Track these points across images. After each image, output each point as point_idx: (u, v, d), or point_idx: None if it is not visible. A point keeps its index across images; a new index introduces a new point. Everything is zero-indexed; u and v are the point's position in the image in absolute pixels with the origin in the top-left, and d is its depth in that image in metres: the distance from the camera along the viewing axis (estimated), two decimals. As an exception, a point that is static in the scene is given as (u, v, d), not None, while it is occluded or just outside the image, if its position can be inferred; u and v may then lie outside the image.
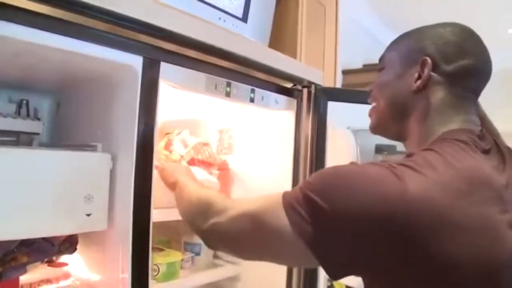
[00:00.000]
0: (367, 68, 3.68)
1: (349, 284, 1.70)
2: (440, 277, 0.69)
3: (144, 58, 1.15)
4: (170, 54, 1.24)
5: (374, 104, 1.04)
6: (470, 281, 0.70)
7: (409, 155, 0.81)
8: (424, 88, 0.90)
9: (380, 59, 1.04)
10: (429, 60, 0.89)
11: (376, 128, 1.04)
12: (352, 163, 0.80)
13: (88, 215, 1.16)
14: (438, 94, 0.89)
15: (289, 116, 1.76)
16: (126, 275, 1.17)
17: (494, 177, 0.79)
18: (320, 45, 2.14)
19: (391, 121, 0.98)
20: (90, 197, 1.16)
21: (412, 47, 0.94)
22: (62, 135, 1.50)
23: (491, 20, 4.13)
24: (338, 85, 2.44)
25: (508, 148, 0.94)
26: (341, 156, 1.68)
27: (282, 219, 0.77)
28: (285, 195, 0.80)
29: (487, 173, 0.78)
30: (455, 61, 0.89)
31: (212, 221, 0.92)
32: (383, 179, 0.72)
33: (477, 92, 0.93)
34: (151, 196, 1.19)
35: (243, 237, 0.89)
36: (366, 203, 0.70)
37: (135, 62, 1.14)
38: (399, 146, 1.78)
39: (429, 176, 0.72)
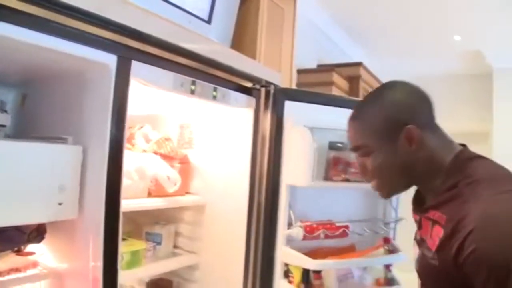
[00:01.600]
0: (321, 68, 3.81)
1: (307, 267, 1.82)
2: None
3: (119, 56, 1.22)
4: (141, 53, 1.32)
5: (376, 180, 1.11)
6: None
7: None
8: (420, 145, 1.02)
9: (355, 147, 1.11)
10: (411, 126, 1.00)
11: (392, 195, 1.17)
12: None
13: (60, 204, 1.23)
14: (430, 142, 1.03)
15: (248, 114, 1.85)
16: (98, 263, 1.24)
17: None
18: (278, 46, 2.25)
19: (403, 182, 1.09)
20: (62, 187, 1.22)
21: (385, 123, 1.04)
22: (28, 128, 1.52)
23: (438, 27, 4.34)
24: (293, 84, 2.55)
25: None
26: (298, 152, 1.78)
27: None
28: None
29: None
30: (426, 112, 1.05)
31: None
32: None
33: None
34: (121, 187, 1.27)
35: None
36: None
37: (110, 60, 1.21)
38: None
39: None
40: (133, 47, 1.29)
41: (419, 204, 1.10)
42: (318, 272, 1.91)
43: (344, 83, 3.75)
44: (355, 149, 1.11)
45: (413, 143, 1.01)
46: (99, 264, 1.24)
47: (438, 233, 0.95)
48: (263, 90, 1.84)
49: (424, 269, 1.04)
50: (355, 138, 1.10)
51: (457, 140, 1.16)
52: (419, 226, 1.09)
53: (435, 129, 1.06)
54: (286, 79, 2.28)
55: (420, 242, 1.07)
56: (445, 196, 0.97)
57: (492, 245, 0.81)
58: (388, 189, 1.13)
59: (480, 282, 0.82)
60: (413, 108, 1.04)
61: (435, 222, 0.98)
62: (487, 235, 0.82)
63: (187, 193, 1.94)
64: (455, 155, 1.02)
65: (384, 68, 4.72)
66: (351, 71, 3.86)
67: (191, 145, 2.01)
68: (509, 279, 0.78)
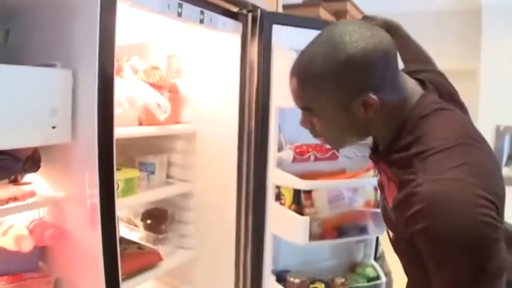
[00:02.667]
0: (307, 3, 3.75)
1: (298, 187, 1.87)
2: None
3: (103, -23, 1.19)
4: (127, -27, 1.29)
5: (324, 137, 1.05)
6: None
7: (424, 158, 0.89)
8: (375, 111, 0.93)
9: (303, 108, 1.00)
10: (371, 96, 0.90)
11: (340, 148, 1.18)
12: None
13: (54, 127, 1.24)
14: (389, 103, 0.93)
15: (235, 40, 1.84)
16: (94, 190, 1.26)
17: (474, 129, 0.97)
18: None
19: (356, 139, 1.03)
20: (54, 111, 1.23)
21: (336, 90, 0.92)
22: (14, 61, 1.50)
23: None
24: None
25: (433, 77, 1.08)
26: (286, 75, 1.78)
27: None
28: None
29: (475, 131, 0.97)
30: (384, 73, 0.92)
31: None
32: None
33: (398, 66, 0.98)
34: (113, 111, 1.28)
35: None
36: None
37: (95, -20, 1.18)
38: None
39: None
40: (117, -34, 1.26)
41: (374, 149, 1.06)
42: (308, 192, 1.96)
43: (331, 18, 3.71)
44: (302, 109, 1.00)
45: (370, 111, 0.92)
46: (96, 190, 1.26)
47: (393, 192, 0.94)
48: (250, 15, 1.82)
49: (384, 216, 1.05)
50: (300, 99, 0.99)
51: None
52: (378, 171, 1.07)
53: (394, 83, 0.95)
54: (272, 6, 2.24)
55: (381, 187, 1.06)
56: (396, 157, 0.94)
57: (439, 225, 0.80)
58: (339, 146, 1.13)
59: (425, 256, 0.85)
60: (367, 71, 0.90)
61: (389, 178, 0.97)
62: (435, 215, 0.81)
63: (177, 122, 1.94)
64: (409, 110, 0.94)
65: (370, 3, 4.65)
66: (338, 6, 3.79)
67: (179, 75, 2.00)
68: (450, 259, 0.80)
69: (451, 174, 0.83)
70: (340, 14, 3.83)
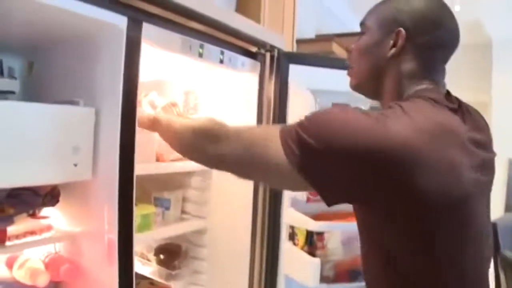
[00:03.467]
0: (320, 38, 3.79)
1: (310, 229, 1.86)
2: (413, 206, 0.86)
3: (129, 18, 1.24)
4: (151, 15, 1.34)
5: (352, 65, 1.13)
6: (438, 210, 0.87)
7: (389, 106, 0.94)
8: (398, 55, 1.01)
9: (361, 24, 1.12)
10: (403, 31, 0.99)
11: (356, 87, 1.14)
12: (341, 108, 0.93)
13: (75, 165, 1.25)
14: (409, 62, 1.01)
15: (253, 78, 1.87)
16: (113, 225, 1.27)
17: (459, 128, 0.94)
18: (280, 12, 2.25)
19: (369, 82, 1.09)
20: (76, 148, 1.25)
21: (389, 16, 1.03)
22: (37, 94, 1.53)
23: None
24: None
25: (469, 106, 1.10)
26: (302, 115, 1.80)
27: (279, 152, 0.90)
28: (282, 132, 0.92)
29: (454, 124, 0.94)
30: (427, 34, 1.00)
31: (214, 148, 1.03)
32: (365, 121, 0.86)
33: (445, 61, 1.06)
34: (134, 148, 1.29)
35: (246, 164, 1.02)
36: (350, 141, 0.84)
37: (120, 21, 1.22)
38: (353, 105, 1.94)
39: (406, 121, 0.86)
40: (143, 9, 1.30)
41: None
42: (320, 234, 1.95)
43: (343, 53, 3.75)
44: (360, 24, 1.12)
45: (394, 47, 1.01)
46: (114, 226, 1.27)
47: None
48: (268, 54, 1.85)
49: None
50: (366, 15, 1.11)
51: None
52: None
53: (431, 59, 1.03)
54: (288, 45, 2.29)
55: None
56: None
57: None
58: (356, 77, 1.13)
59: None
60: (419, 20, 1.00)
61: None
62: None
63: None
64: (417, 90, 1.00)
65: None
66: (351, 41, 3.83)
67: (196, 111, 2.02)
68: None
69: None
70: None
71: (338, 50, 3.63)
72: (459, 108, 1.01)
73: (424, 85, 1.00)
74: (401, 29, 0.99)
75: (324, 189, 0.89)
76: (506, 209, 4.98)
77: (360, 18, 1.13)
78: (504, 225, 3.20)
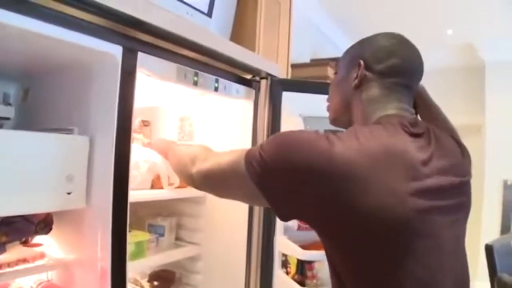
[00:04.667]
0: (314, 63, 3.83)
1: (299, 257, 1.85)
2: (355, 227, 0.89)
3: (124, 47, 1.25)
4: (146, 44, 1.35)
5: (328, 102, 1.24)
6: (380, 232, 0.89)
7: (347, 130, 1.01)
8: (361, 84, 1.09)
9: (335, 66, 1.22)
10: (362, 62, 1.08)
11: (333, 122, 1.24)
12: (299, 130, 1.01)
13: (69, 193, 1.25)
14: (372, 88, 1.08)
15: (248, 105, 1.88)
16: (106, 254, 1.26)
17: (411, 153, 0.95)
18: (275, 39, 2.28)
19: (342, 114, 1.17)
20: (70, 177, 1.24)
21: (353, 53, 1.14)
22: (31, 121, 1.54)
23: (431, 21, 4.39)
24: (289, 77, 2.58)
25: (440, 133, 1.11)
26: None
27: (242, 171, 0.98)
28: (247, 153, 1.00)
29: (404, 148, 0.95)
30: (384, 62, 1.08)
31: (197, 167, 1.19)
32: (316, 142, 0.91)
33: (408, 87, 1.11)
34: (128, 177, 1.29)
35: (218, 181, 1.15)
36: (299, 159, 0.90)
37: (116, 51, 1.23)
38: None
39: (352, 144, 0.91)
40: (138, 38, 1.32)
41: None
42: (310, 263, 1.94)
43: (338, 77, 3.79)
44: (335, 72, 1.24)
45: (356, 78, 1.09)
46: (108, 254, 1.26)
47: None
48: (263, 82, 1.87)
49: None
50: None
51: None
52: None
53: (392, 87, 1.08)
54: (283, 72, 2.31)
55: None
56: None
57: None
58: (332, 114, 1.22)
59: None
60: (376, 50, 1.09)
61: None
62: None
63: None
64: (380, 116, 1.06)
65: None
66: (345, 65, 3.89)
67: (191, 138, 2.03)
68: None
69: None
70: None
71: (332, 75, 3.67)
72: (425, 133, 1.04)
73: (387, 111, 1.06)
74: (360, 60, 1.09)
75: (276, 204, 0.97)
76: (502, 231, 4.98)
77: (352, 40, 1.20)
78: (500, 247, 3.19)
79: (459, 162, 1.11)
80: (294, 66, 3.76)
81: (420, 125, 1.06)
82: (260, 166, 0.95)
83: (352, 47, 1.18)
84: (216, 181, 1.16)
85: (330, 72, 3.62)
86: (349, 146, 0.90)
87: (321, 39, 4.46)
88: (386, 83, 1.08)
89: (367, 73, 1.08)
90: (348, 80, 1.12)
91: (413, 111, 1.11)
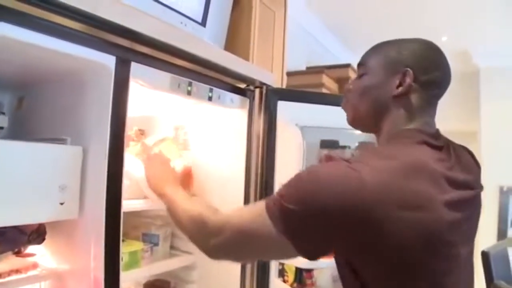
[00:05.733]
0: (310, 71, 3.84)
1: (298, 266, 1.85)
2: (392, 249, 0.88)
3: (117, 57, 1.25)
4: (140, 55, 1.35)
5: (352, 103, 1.16)
6: (413, 242, 0.88)
7: (361, 148, 1.00)
8: (404, 94, 1.06)
9: (360, 65, 1.16)
10: (410, 71, 1.04)
11: (353, 123, 1.19)
12: (312, 170, 0.98)
13: (62, 204, 1.24)
14: (412, 99, 1.06)
15: (242, 114, 1.88)
16: (99, 264, 1.25)
17: (434, 166, 0.96)
18: (269, 48, 2.28)
19: (369, 118, 1.13)
20: (63, 187, 1.24)
21: (393, 58, 1.09)
22: (25, 130, 1.54)
23: (426, 29, 4.40)
24: (284, 86, 2.58)
25: (460, 146, 1.15)
26: (290, 151, 1.82)
27: (268, 225, 0.94)
28: (268, 206, 0.97)
29: (427, 162, 0.96)
30: (429, 73, 1.06)
31: (212, 242, 1.08)
32: (344, 179, 0.89)
33: (438, 99, 1.12)
34: (122, 187, 1.29)
35: (241, 250, 1.07)
36: (331, 201, 0.87)
37: (109, 61, 1.23)
38: (342, 141, 1.96)
39: (379, 164, 0.90)
40: (131, 48, 1.32)
41: None
42: (309, 271, 1.94)
43: (333, 85, 3.79)
44: (358, 66, 1.17)
45: (401, 87, 1.06)
46: (101, 264, 1.25)
47: None
48: (257, 91, 1.87)
49: None
50: (364, 54, 1.16)
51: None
52: None
53: (429, 98, 1.08)
54: (277, 81, 2.31)
55: None
56: None
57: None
58: (354, 114, 1.17)
59: None
60: (423, 60, 1.07)
61: None
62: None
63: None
64: (409, 128, 1.05)
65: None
66: (340, 73, 3.89)
67: (186, 147, 2.03)
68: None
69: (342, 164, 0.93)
70: (342, 80, 3.92)
71: (328, 82, 3.68)
72: (445, 147, 1.05)
73: (413, 124, 1.06)
74: (408, 69, 1.05)
75: (304, 247, 0.94)
76: (499, 237, 4.98)
77: (348, 49, 1.19)
78: (497, 254, 3.19)
79: (476, 174, 1.13)
80: (290, 74, 3.76)
81: (441, 137, 1.08)
82: (285, 215, 0.92)
83: (387, 48, 1.13)
84: (238, 249, 1.08)
85: (325, 79, 3.63)
86: (376, 169, 0.90)
87: (317, 47, 4.47)
88: (425, 95, 1.07)
89: (412, 83, 1.05)
90: (387, 86, 1.07)
91: (435, 123, 1.12)
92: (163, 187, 1.42)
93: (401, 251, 0.88)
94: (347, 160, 0.93)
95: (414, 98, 1.06)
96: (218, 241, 1.06)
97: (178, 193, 1.37)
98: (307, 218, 0.90)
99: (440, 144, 1.04)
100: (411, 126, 1.05)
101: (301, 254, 0.95)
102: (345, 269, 1.00)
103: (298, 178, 0.97)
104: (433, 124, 1.10)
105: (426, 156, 0.98)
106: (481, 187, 1.12)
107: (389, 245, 0.87)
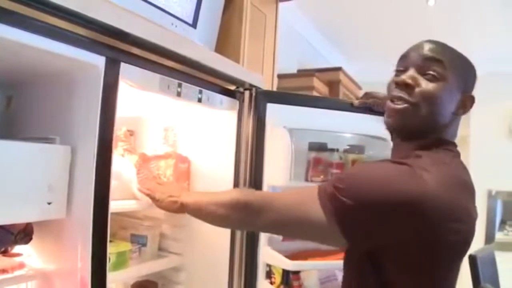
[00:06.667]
0: (301, 74, 3.86)
1: (285, 267, 1.85)
2: (435, 250, 0.95)
3: (107, 58, 1.25)
4: (129, 55, 1.36)
5: (418, 105, 1.08)
6: (453, 252, 0.99)
7: (414, 155, 1.04)
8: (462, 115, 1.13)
9: (438, 63, 1.08)
10: (474, 98, 1.13)
11: (399, 123, 1.12)
12: (374, 163, 1.09)
13: (49, 203, 1.24)
14: (459, 119, 1.15)
15: (231, 116, 1.89)
16: (86, 264, 1.25)
17: (471, 181, 1.06)
18: (260, 50, 2.29)
19: (422, 126, 1.10)
20: (51, 187, 1.24)
21: (463, 77, 1.12)
22: (14, 129, 1.53)
23: (416, 32, 4.42)
24: (274, 88, 2.59)
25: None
26: (278, 153, 1.83)
27: (320, 213, 0.99)
28: (320, 196, 1.01)
29: (468, 178, 1.06)
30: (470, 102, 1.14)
31: (260, 219, 1.12)
32: (399, 178, 0.95)
33: None
34: (109, 187, 1.29)
35: (290, 228, 1.13)
36: (387, 198, 0.93)
37: (98, 61, 1.24)
38: (330, 144, 1.96)
39: (438, 175, 0.95)
40: (121, 49, 1.32)
41: None
42: (296, 273, 1.94)
43: (324, 88, 3.82)
44: (431, 60, 1.08)
45: (463, 110, 1.12)
46: (88, 265, 1.25)
47: None
48: (246, 93, 1.88)
49: None
50: (441, 53, 1.10)
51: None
52: None
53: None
54: (267, 83, 2.32)
55: None
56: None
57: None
58: (408, 119, 1.09)
59: None
60: (473, 87, 1.15)
61: None
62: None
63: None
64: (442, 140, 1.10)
65: (362, 72, 4.80)
66: (331, 76, 3.92)
67: (175, 148, 2.02)
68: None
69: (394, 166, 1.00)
70: (333, 84, 3.94)
71: (318, 85, 3.70)
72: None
73: (453, 138, 1.15)
74: (473, 96, 1.12)
75: (356, 240, 1.00)
76: (487, 241, 5.03)
77: (339, 51, 1.18)
78: (484, 258, 3.22)
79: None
80: (281, 77, 3.78)
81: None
82: (339, 208, 0.96)
83: (463, 64, 1.14)
84: (287, 228, 1.15)
85: (316, 82, 3.64)
86: (437, 177, 0.94)
87: (308, 50, 4.50)
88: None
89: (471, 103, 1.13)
90: (452, 102, 1.10)
91: None
92: (178, 200, 1.44)
93: (441, 257, 0.96)
94: (406, 164, 0.97)
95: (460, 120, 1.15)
96: (265, 218, 1.11)
97: (197, 194, 1.45)
98: (363, 213, 0.94)
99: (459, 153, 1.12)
100: (452, 139, 1.13)
101: (348, 241, 0.99)
102: (366, 265, 1.03)
103: (355, 173, 1.03)
104: None
105: (465, 170, 1.07)
106: None
107: (433, 249, 0.95)
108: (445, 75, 1.07)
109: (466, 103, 1.11)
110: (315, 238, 1.18)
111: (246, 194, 1.21)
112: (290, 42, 3.89)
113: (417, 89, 1.07)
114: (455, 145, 1.12)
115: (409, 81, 1.07)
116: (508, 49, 4.80)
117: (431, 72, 1.07)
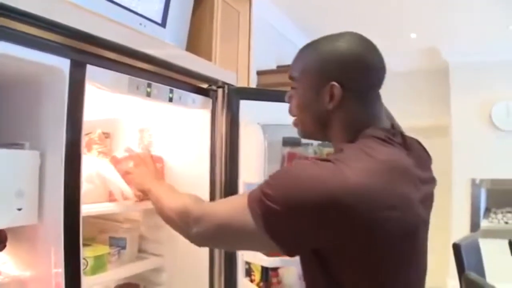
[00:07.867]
0: (281, 69, 3.86)
1: (264, 264, 1.86)
2: (373, 243, 0.92)
3: (71, 60, 1.24)
4: (95, 57, 1.34)
5: (297, 117, 1.16)
6: (396, 240, 0.94)
7: (339, 150, 1.02)
8: (339, 106, 1.04)
9: (290, 77, 1.15)
10: (337, 85, 1.02)
11: (304, 136, 1.21)
12: (295, 167, 1.00)
13: (19, 209, 1.23)
14: (351, 107, 1.05)
15: (205, 114, 1.88)
16: (59, 270, 1.24)
17: (409, 164, 1.01)
18: (234, 48, 2.29)
19: (317, 131, 1.13)
20: (21, 192, 1.23)
21: (318, 71, 1.06)
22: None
23: (394, 26, 4.47)
24: (253, 85, 2.59)
25: (412, 138, 1.16)
26: (252, 149, 1.83)
27: (249, 222, 0.96)
28: (249, 201, 0.98)
29: (405, 163, 1.00)
30: (361, 80, 1.05)
31: (194, 230, 1.10)
32: (322, 177, 0.91)
33: (379, 95, 1.11)
34: (80, 191, 1.28)
35: (221, 240, 1.11)
36: (308, 198, 0.89)
37: (63, 64, 1.22)
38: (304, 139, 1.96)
39: (362, 166, 0.92)
40: (86, 51, 1.31)
41: None
42: (275, 270, 1.94)
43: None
44: (289, 78, 1.16)
45: (332, 101, 1.04)
46: (61, 270, 1.24)
47: None
48: (219, 91, 1.88)
49: None
50: (292, 67, 1.15)
51: (419, 135, 1.23)
52: None
53: (369, 99, 1.08)
54: (243, 80, 2.32)
55: None
56: None
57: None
58: (302, 129, 1.17)
59: None
60: (349, 70, 1.04)
61: None
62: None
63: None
64: (366, 130, 1.05)
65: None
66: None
67: (151, 149, 2.01)
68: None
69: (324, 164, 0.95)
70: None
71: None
72: (404, 142, 1.07)
73: (370, 127, 1.05)
74: (334, 83, 1.03)
75: (287, 245, 0.96)
76: (472, 229, 5.09)
77: None
78: (468, 246, 3.24)
79: (430, 167, 1.17)
80: (261, 73, 3.78)
81: (397, 134, 1.08)
82: (267, 213, 0.93)
83: (309, 58, 1.10)
84: (218, 238, 1.11)
85: (296, 78, 3.65)
86: (358, 170, 0.91)
87: (287, 45, 4.50)
88: (363, 99, 1.06)
89: (344, 94, 1.03)
90: (320, 101, 1.06)
91: (388, 121, 1.13)
92: (147, 183, 1.47)
93: (383, 247, 0.93)
94: (330, 160, 0.94)
95: (352, 105, 1.05)
96: (199, 229, 1.09)
97: (163, 186, 1.43)
98: (290, 218, 0.91)
99: (399, 140, 1.05)
100: (369, 128, 1.05)
101: (282, 250, 0.96)
102: (316, 269, 1.01)
103: (281, 176, 0.98)
104: (387, 122, 1.11)
105: (399, 156, 1.01)
106: (435, 181, 1.15)
107: (372, 242, 0.92)
108: (298, 84, 1.12)
109: (331, 92, 1.03)
110: (253, 247, 1.19)
111: (192, 203, 1.19)
112: (268, 39, 3.90)
113: (291, 105, 1.16)
114: (387, 131, 1.05)
115: (286, 99, 1.18)
116: (490, 39, 4.85)
117: (292, 86, 1.15)
